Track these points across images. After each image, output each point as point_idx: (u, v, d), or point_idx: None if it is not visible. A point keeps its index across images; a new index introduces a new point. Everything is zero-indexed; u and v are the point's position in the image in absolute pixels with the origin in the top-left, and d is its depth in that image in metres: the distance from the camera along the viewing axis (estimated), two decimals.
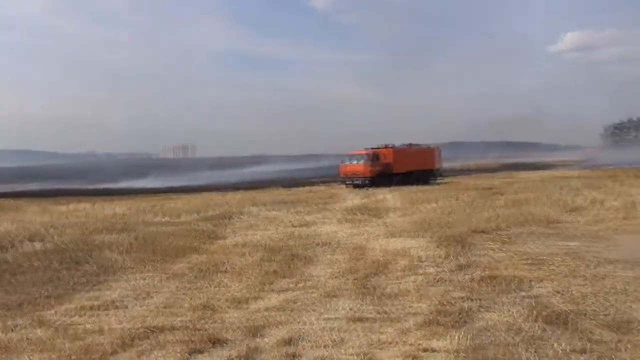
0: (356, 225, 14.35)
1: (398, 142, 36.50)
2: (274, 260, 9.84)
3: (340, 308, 6.78)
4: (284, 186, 41.15)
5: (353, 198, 23.02)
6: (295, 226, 14.75)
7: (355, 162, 33.11)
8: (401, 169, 34.22)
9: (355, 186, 31.86)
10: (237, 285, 8.22)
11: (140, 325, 6.28)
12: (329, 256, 10.18)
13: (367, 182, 31.76)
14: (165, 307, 7.20)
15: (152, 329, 6.13)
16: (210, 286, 8.27)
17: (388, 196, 23.19)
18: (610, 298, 6.78)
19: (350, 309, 6.70)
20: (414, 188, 28.42)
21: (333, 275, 8.58)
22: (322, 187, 34.65)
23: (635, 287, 7.29)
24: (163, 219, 17.77)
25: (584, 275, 8.00)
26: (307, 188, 36.82)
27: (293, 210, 18.91)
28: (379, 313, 6.52)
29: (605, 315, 6.10)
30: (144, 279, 8.92)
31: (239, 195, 30.44)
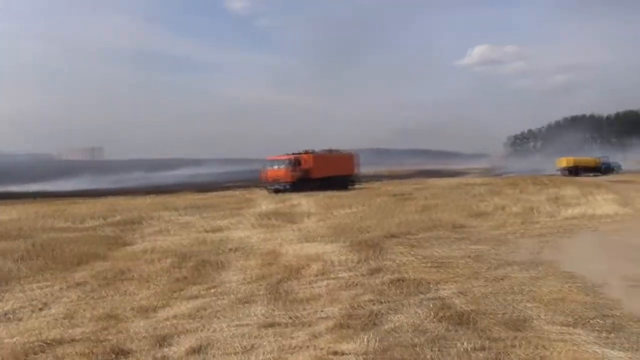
0: (270, 230, 14.28)
1: (324, 147, 36.91)
2: (184, 267, 9.57)
3: (252, 314, 6.71)
4: (199, 190, 40.24)
5: (267, 203, 22.91)
6: (207, 231, 14.43)
7: (276, 167, 33.14)
8: (320, 174, 34.57)
9: (276, 191, 31.81)
10: (144, 292, 7.91)
11: (35, 339, 5.85)
12: (241, 262, 10.04)
13: (287, 187, 31.84)
14: (64, 318, 6.77)
15: (49, 342, 5.74)
16: (115, 295, 7.89)
17: (303, 201, 23.30)
18: (507, 298, 7.21)
19: (263, 315, 6.65)
20: (329, 193, 28.77)
21: (245, 281, 8.48)
22: (238, 192, 34.26)
23: (530, 287, 7.80)
24: (65, 225, 16.76)
25: (485, 277, 8.46)
26: (222, 192, 36.26)
27: (205, 215, 18.51)
28: (290, 318, 6.52)
29: (503, 314, 6.48)
30: (42, 289, 8.35)
31: (149, 200, 29.41)
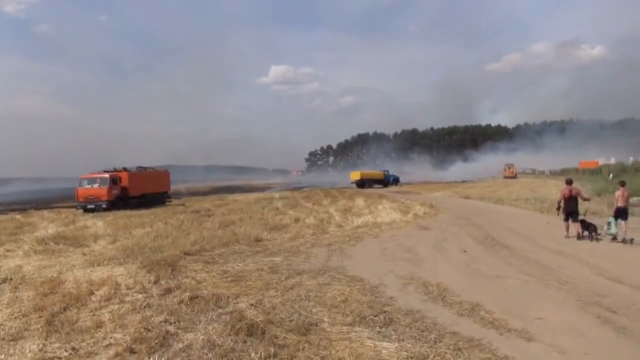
0: (51, 256, 12.79)
1: (118, 165, 34.85)
2: None
3: (23, 351, 5.95)
4: None
5: (51, 226, 20.63)
6: None
7: (92, 185, 30.67)
8: (137, 191, 33.38)
9: (89, 210, 29.41)
10: None
11: None
12: (8, 295, 8.80)
13: (105, 205, 29.71)
14: None
15: None
16: None
17: (93, 222, 21.51)
18: (297, 305, 7.56)
19: (36, 351, 5.93)
20: (121, 213, 27.08)
21: (14, 316, 7.44)
22: (16, 215, 30.19)
23: (318, 292, 8.30)
24: None
25: (277, 287, 8.75)
26: None
27: None
28: (70, 350, 5.94)
29: (291, 321, 6.76)
30: None
31: None
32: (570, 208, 14.35)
